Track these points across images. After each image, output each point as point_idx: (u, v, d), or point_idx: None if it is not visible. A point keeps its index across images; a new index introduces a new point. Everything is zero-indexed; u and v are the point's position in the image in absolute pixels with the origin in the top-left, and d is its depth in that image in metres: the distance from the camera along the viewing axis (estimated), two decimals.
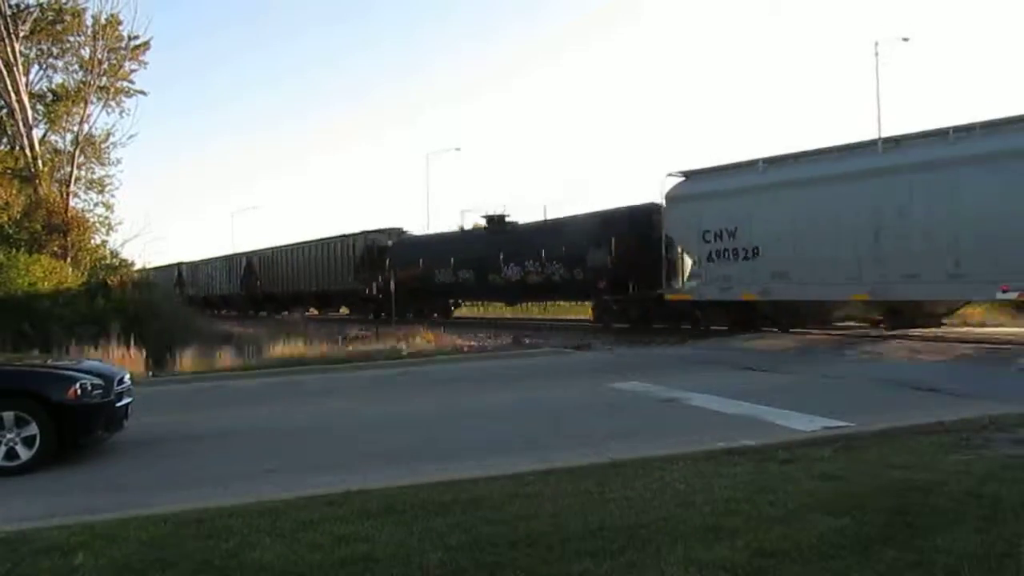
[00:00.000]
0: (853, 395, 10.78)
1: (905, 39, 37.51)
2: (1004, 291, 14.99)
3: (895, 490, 5.39)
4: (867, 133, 36.51)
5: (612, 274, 22.59)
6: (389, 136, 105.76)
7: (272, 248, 44.00)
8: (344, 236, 36.42)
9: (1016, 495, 5.13)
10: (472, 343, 19.91)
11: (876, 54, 34.27)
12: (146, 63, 30.39)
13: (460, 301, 32.10)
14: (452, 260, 29.15)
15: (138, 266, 26.42)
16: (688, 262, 20.63)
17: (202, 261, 51.76)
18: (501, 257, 26.46)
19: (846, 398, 10.38)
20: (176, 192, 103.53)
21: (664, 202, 21.22)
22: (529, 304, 30.58)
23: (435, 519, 5.08)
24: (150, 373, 15.83)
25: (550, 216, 27.25)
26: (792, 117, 77.17)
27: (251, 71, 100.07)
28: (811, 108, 78.45)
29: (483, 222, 29.79)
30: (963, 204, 15.21)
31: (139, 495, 6.53)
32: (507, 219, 28.57)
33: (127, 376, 8.96)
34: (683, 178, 21.17)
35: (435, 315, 30.46)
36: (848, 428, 7.95)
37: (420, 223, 46.38)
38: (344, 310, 38.22)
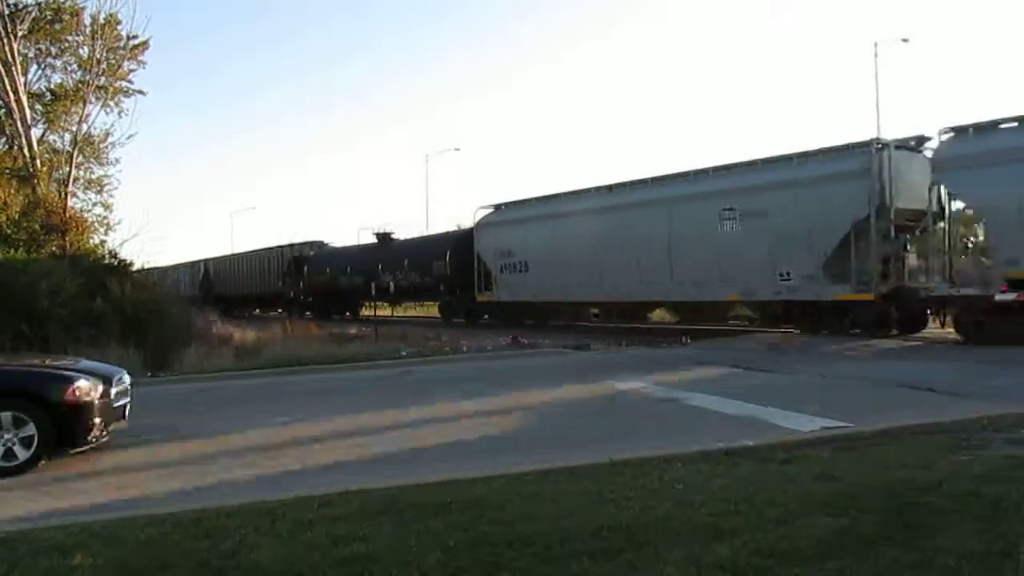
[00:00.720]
0: (852, 395, 10.78)
1: (905, 40, 37.69)
2: (1003, 291, 15.02)
3: (894, 490, 5.39)
4: (866, 132, 36.54)
5: (449, 281, 30.02)
6: (389, 136, 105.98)
7: (225, 256, 50.72)
8: (275, 248, 43.10)
9: (1015, 495, 5.13)
10: (471, 342, 19.91)
11: (876, 55, 34.38)
12: (145, 63, 30.32)
13: (361, 302, 37.01)
14: (349, 269, 36.12)
15: (137, 266, 26.30)
16: (492, 273, 27.89)
17: (170, 267, 53.55)
18: (380, 267, 33.07)
19: (845, 398, 10.38)
20: (176, 192, 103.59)
21: (476, 228, 29.04)
22: (406, 304, 37.83)
23: (434, 519, 5.07)
24: (148, 373, 15.82)
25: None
26: (791, 117, 77.20)
27: (251, 71, 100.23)
28: (811, 108, 78.54)
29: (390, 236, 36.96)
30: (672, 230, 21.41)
31: (137, 495, 6.52)
32: (392, 236, 36.27)
33: (125, 376, 8.95)
34: (491, 210, 29.04)
35: (347, 314, 37.12)
36: (847, 428, 7.95)
37: (419, 222, 48.75)
38: (281, 310, 43.42)
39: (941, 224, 17.46)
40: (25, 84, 27.36)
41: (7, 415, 7.53)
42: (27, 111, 26.83)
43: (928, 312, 18.06)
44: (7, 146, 28.54)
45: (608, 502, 5.36)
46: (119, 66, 29.26)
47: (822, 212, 18.09)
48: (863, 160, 18.00)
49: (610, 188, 24.21)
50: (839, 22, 79.77)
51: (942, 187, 16.86)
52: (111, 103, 29.91)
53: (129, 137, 37.25)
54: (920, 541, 4.38)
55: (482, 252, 28.26)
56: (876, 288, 17.41)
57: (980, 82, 71.75)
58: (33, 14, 27.43)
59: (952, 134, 16.74)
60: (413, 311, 39.61)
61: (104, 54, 28.29)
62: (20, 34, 26.72)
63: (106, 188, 31.19)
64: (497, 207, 28.81)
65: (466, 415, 10.26)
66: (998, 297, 15.16)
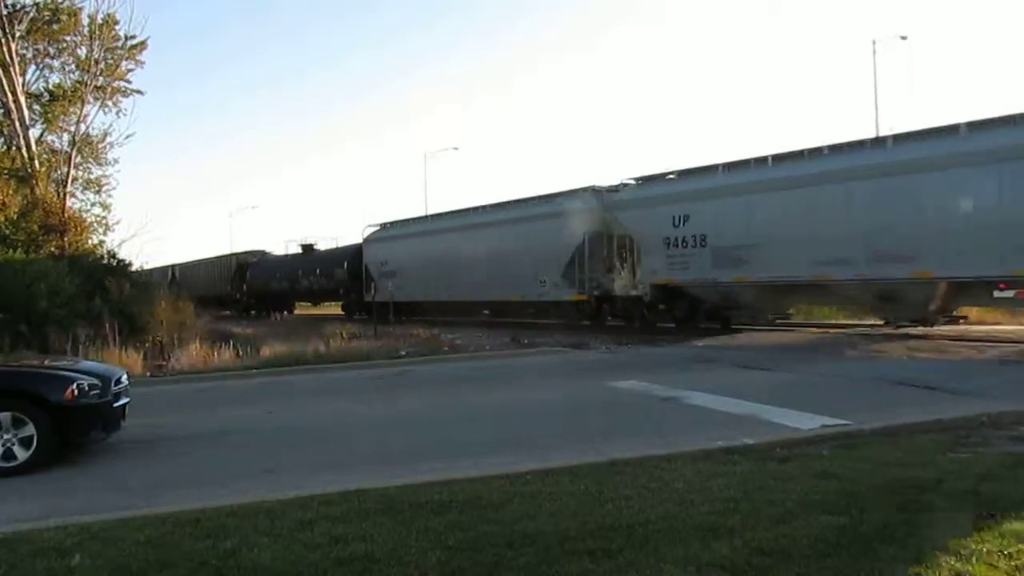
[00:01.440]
0: (851, 393, 10.78)
1: (903, 37, 37.76)
2: (1001, 289, 15.01)
3: (893, 488, 5.39)
4: (865, 132, 36.55)
5: (347, 285, 36.46)
6: (388, 135, 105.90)
7: (189, 262, 54.86)
8: (226, 255, 48.68)
9: (1014, 493, 5.13)
10: (461, 341, 19.91)
11: (874, 52, 34.50)
12: (143, 63, 30.29)
13: (292, 302, 43.75)
14: (278, 275, 42.73)
15: (136, 266, 26.31)
16: (374, 279, 33.53)
17: (145, 271, 55.03)
18: (300, 273, 40.20)
19: (844, 396, 10.38)
20: (175, 192, 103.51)
21: (364, 243, 35.69)
22: (323, 303, 43.03)
23: (433, 519, 5.07)
24: (148, 373, 15.81)
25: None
26: (791, 116, 77.23)
27: (250, 70, 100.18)
28: (810, 107, 78.54)
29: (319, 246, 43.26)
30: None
31: (136, 495, 6.52)
32: (313, 247, 42.44)
33: (124, 376, 8.94)
34: (378, 227, 35.79)
35: (284, 313, 41.68)
36: (846, 426, 7.95)
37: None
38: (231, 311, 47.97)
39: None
40: (23, 84, 27.35)
41: (6, 416, 7.52)
42: (25, 111, 26.82)
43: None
44: (5, 146, 28.52)
45: (608, 501, 5.36)
46: (117, 66, 29.26)
47: (559, 238, 24.74)
48: (584, 200, 24.83)
49: (449, 214, 32.40)
50: (837, 20, 79.84)
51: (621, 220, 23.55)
52: (109, 103, 29.94)
53: (127, 137, 37.35)
54: (919, 540, 4.38)
55: (368, 262, 35.02)
56: (590, 291, 24.20)
57: (979, 79, 71.80)
58: (31, 14, 27.42)
59: (631, 183, 23.60)
60: (328, 309, 44.39)
61: (102, 54, 28.29)
62: (18, 34, 26.72)
63: (104, 188, 31.22)
64: (382, 225, 36.06)
65: (464, 414, 10.25)
66: (996, 294, 15.17)
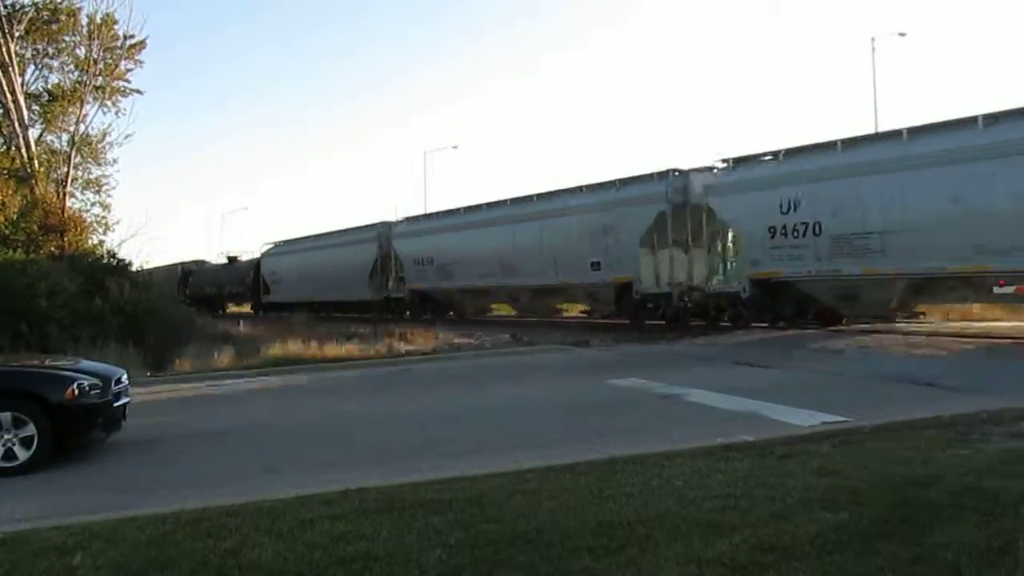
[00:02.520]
0: (851, 390, 10.79)
1: (902, 34, 37.75)
2: (1001, 286, 14.99)
3: (893, 485, 5.40)
4: (864, 128, 36.52)
5: (253, 289, 44.78)
6: (388, 133, 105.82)
7: (148, 268, 59.31)
8: (175, 264, 52.80)
9: (1014, 489, 5.13)
10: (469, 340, 19.92)
11: (873, 50, 34.44)
12: (142, 62, 30.26)
13: (224, 304, 49.76)
14: (210, 281, 49.86)
15: (136, 266, 26.31)
16: (269, 285, 42.96)
17: (145, 271, 57.02)
18: (225, 280, 48.40)
19: (844, 393, 10.39)
20: (174, 192, 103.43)
21: (261, 257, 44.72)
22: (242, 304, 49.57)
23: (434, 517, 5.08)
24: (147, 373, 15.81)
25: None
26: (791, 112, 77.18)
27: (249, 69, 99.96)
28: (810, 103, 78.51)
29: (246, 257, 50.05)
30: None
31: (137, 495, 6.52)
32: (236, 258, 48.96)
33: (124, 376, 8.95)
34: (271, 245, 44.62)
35: (218, 312, 45.89)
36: (846, 423, 7.96)
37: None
38: None
39: None
40: (22, 84, 27.33)
41: (7, 415, 7.54)
42: (24, 111, 26.80)
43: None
44: (5, 147, 28.50)
45: (608, 499, 5.37)
46: (116, 66, 29.22)
47: (371, 255, 34.00)
48: (378, 230, 34.02)
49: (318, 236, 40.23)
50: (837, 18, 79.77)
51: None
52: (108, 103, 29.89)
53: (127, 137, 37.21)
54: (919, 536, 4.39)
55: (263, 273, 43.72)
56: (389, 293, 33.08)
57: (976, 76, 71.75)
58: (30, 14, 27.37)
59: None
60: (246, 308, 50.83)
61: (101, 54, 28.25)
62: (17, 34, 26.68)
63: (104, 188, 31.18)
64: (274, 244, 44.84)
65: (463, 412, 10.26)
66: (996, 290, 15.15)
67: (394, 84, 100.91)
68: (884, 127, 23.72)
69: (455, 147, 68.75)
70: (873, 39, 35.66)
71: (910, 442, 6.74)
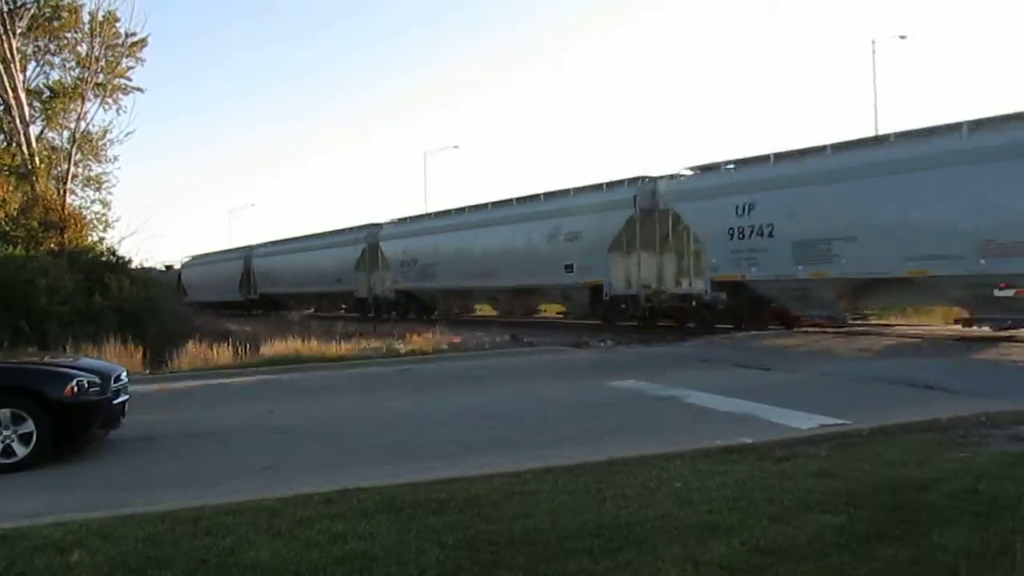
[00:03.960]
0: (849, 392, 10.79)
1: (902, 37, 37.86)
2: (1002, 288, 15.03)
3: (892, 487, 5.40)
4: (864, 130, 36.58)
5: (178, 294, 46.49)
6: (390, 133, 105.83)
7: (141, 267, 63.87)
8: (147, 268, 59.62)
9: (1012, 492, 5.14)
10: (455, 339, 19.93)
11: (873, 52, 34.60)
12: (143, 60, 30.34)
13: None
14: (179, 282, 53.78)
15: (136, 263, 26.41)
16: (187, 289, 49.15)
17: (144, 268, 58.58)
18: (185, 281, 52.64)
19: (842, 396, 10.38)
20: (175, 189, 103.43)
21: (182, 267, 53.01)
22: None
23: (433, 517, 5.08)
24: (147, 370, 15.81)
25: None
26: (791, 114, 77.19)
27: (250, 68, 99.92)
28: (810, 105, 78.51)
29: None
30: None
31: (136, 492, 6.52)
32: (171, 266, 53.33)
33: (124, 374, 8.94)
34: (190, 258, 53.54)
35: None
36: (845, 426, 7.96)
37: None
38: None
39: None
40: (24, 81, 27.37)
41: (6, 412, 7.53)
42: (26, 108, 26.83)
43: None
44: (6, 143, 28.54)
45: (607, 500, 5.37)
46: (117, 63, 29.29)
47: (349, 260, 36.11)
48: (365, 233, 35.17)
49: (305, 237, 41.99)
50: (837, 20, 79.76)
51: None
52: (109, 100, 29.99)
53: (127, 134, 37.21)
54: (918, 538, 4.39)
55: (183, 280, 51.01)
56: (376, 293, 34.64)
57: (977, 79, 71.76)
58: (32, 11, 27.42)
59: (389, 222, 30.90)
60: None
61: (102, 51, 28.31)
62: (19, 31, 26.71)
63: (104, 185, 31.31)
64: (192, 257, 53.59)
65: (463, 413, 10.26)
66: (997, 293, 15.19)
67: (396, 83, 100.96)
68: (884, 129, 24.09)
69: (456, 147, 68.58)
70: (873, 41, 35.83)
71: (909, 445, 6.75)
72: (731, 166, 20.65)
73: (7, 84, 25.77)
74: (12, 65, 25.89)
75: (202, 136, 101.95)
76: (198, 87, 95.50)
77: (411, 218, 34.81)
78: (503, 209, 27.75)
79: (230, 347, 17.99)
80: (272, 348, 18.50)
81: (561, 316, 28.99)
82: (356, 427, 9.65)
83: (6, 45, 25.67)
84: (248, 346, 18.68)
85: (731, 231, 19.43)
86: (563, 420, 9.47)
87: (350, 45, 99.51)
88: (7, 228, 22.83)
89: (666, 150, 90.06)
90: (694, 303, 21.23)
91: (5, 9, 25.92)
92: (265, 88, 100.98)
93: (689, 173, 21.74)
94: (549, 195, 26.02)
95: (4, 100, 26.58)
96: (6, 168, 26.23)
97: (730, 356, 15.44)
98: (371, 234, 35.17)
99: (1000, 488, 5.26)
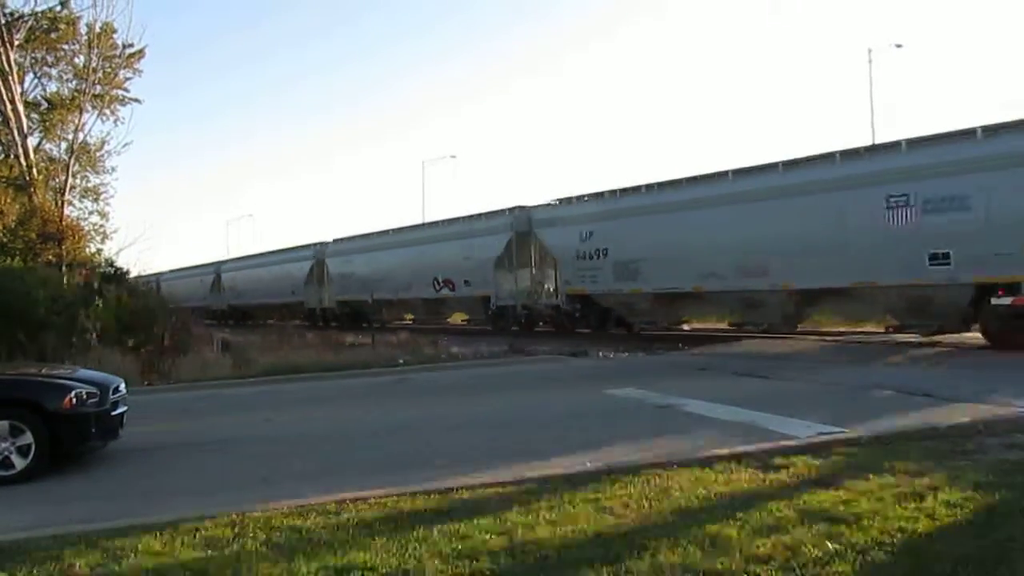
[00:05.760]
0: (848, 400, 10.79)
1: (898, 45, 38.16)
2: (1000, 295, 15.10)
3: (891, 496, 5.41)
4: (862, 138, 36.71)
5: None
6: (386, 143, 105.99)
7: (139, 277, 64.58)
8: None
9: (1010, 499, 5.15)
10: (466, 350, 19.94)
11: (870, 60, 34.85)
12: (141, 71, 30.35)
13: None
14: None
15: (134, 274, 26.30)
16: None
17: (143, 279, 58.95)
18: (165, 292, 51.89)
19: (841, 404, 10.39)
20: (173, 200, 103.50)
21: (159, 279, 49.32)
22: None
23: (432, 528, 5.08)
24: (145, 382, 15.79)
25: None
26: (787, 122, 77.42)
27: (247, 79, 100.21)
28: (806, 113, 78.71)
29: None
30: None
31: (135, 504, 6.52)
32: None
33: (122, 385, 8.94)
34: (169, 271, 53.91)
35: None
36: (844, 434, 7.96)
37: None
38: None
39: None
40: (21, 93, 27.35)
41: (4, 424, 7.53)
42: (23, 120, 26.81)
43: None
44: (3, 155, 28.51)
45: (606, 510, 5.38)
46: (115, 75, 29.26)
47: (300, 275, 39.36)
48: (313, 251, 38.75)
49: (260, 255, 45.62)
50: (834, 29, 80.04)
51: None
52: (107, 112, 29.94)
53: (125, 145, 37.09)
54: (916, 547, 4.40)
55: (164, 292, 52.61)
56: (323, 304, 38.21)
57: (973, 87, 72.05)
58: (29, 23, 27.42)
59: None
60: None
61: (100, 63, 28.27)
62: (16, 43, 26.72)
63: (102, 196, 31.29)
64: (171, 270, 54.22)
65: (461, 422, 10.25)
66: (994, 301, 15.27)
67: (394, 92, 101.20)
68: (881, 138, 24.44)
69: (453, 157, 68.82)
70: (870, 50, 36.10)
71: (907, 453, 6.76)
72: (581, 199, 25.21)
73: (4, 96, 25.77)
74: (10, 77, 25.89)
75: (198, 147, 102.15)
76: (195, 98, 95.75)
77: (350, 237, 38.25)
78: (414, 232, 33.51)
79: (227, 357, 17.96)
80: (269, 358, 18.49)
81: (465, 323, 32.56)
82: (354, 437, 9.64)
83: (3, 57, 25.67)
84: (245, 357, 18.68)
85: (577, 253, 23.90)
86: (562, 429, 9.46)
87: (348, 54, 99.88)
88: (5, 240, 22.80)
89: (665, 155, 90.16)
90: (557, 312, 25.74)
91: (2, 21, 25.95)
92: (262, 99, 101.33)
93: (555, 203, 26.30)
94: (448, 221, 31.64)
95: (2, 112, 26.56)
96: (4, 180, 26.22)
97: (728, 365, 15.45)
98: (319, 251, 38.75)
99: (998, 496, 5.27)
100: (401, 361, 18.10)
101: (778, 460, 6.67)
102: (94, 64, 27.95)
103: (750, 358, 16.64)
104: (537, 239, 26.20)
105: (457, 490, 6.09)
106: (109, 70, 28.95)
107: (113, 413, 8.35)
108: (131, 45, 28.94)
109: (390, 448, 8.74)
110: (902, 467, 6.22)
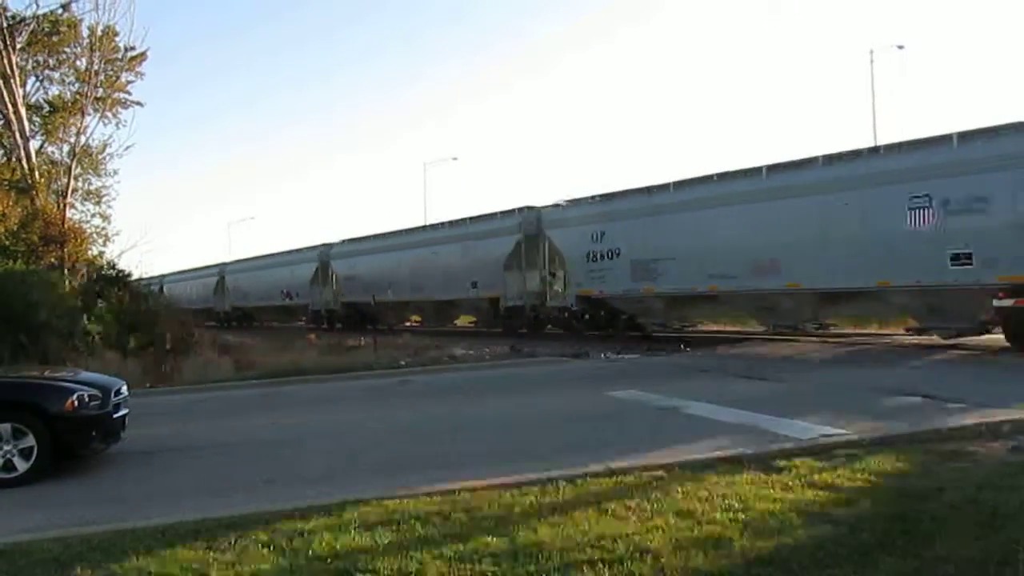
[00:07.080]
0: (850, 403, 10.76)
1: (900, 47, 38.22)
2: (1000, 298, 15.05)
3: (893, 498, 5.40)
4: (863, 140, 36.71)
5: None
6: (388, 145, 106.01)
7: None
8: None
9: (1014, 502, 5.14)
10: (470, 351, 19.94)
11: (871, 62, 34.85)
12: (143, 74, 30.40)
13: None
14: None
15: (136, 276, 26.31)
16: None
17: (144, 281, 58.99)
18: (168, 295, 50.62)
19: (843, 406, 10.36)
20: (176, 202, 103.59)
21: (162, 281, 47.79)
22: None
23: (433, 529, 5.08)
24: (148, 384, 15.80)
25: None
26: (789, 124, 77.35)
27: (249, 81, 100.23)
28: (808, 115, 78.66)
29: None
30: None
31: (136, 506, 6.51)
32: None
33: (124, 387, 8.94)
34: (172, 272, 52.68)
35: None
36: (845, 436, 7.95)
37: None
38: None
39: None
40: (23, 96, 27.38)
41: (6, 427, 7.52)
42: (25, 123, 26.84)
43: None
44: (5, 158, 28.56)
45: (608, 511, 5.37)
46: (117, 77, 29.33)
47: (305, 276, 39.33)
48: (318, 252, 38.57)
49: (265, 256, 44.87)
50: (835, 31, 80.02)
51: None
52: (109, 114, 30.02)
53: (127, 148, 37.44)
54: (919, 549, 4.39)
55: (167, 294, 52.09)
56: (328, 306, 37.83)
57: (974, 88, 72.00)
58: (31, 26, 27.46)
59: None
60: None
61: (102, 66, 28.34)
62: (18, 46, 26.76)
63: (104, 199, 31.34)
64: (175, 272, 53.44)
65: (463, 424, 10.25)
66: (996, 303, 15.23)
67: (395, 95, 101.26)
68: (883, 139, 24.58)
69: (455, 159, 68.94)
70: (871, 51, 36.11)
71: (909, 455, 6.75)
72: (592, 199, 24.82)
73: (7, 99, 25.80)
74: (12, 80, 25.92)
75: (200, 149, 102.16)
76: (197, 100, 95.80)
77: (356, 239, 37.65)
78: (422, 234, 32.70)
79: (230, 359, 17.98)
80: (271, 360, 18.50)
81: (472, 325, 31.85)
82: (356, 439, 9.63)
83: (5, 60, 25.71)
84: (248, 359, 18.70)
85: (588, 254, 23.51)
86: (564, 431, 9.46)
87: (349, 56, 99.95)
88: (7, 243, 22.82)
89: (665, 156, 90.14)
90: (566, 314, 25.26)
91: (4, 24, 25.97)
92: (263, 100, 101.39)
93: (564, 204, 26.02)
94: (456, 222, 30.67)
95: (4, 115, 26.61)
96: (6, 183, 26.24)
97: (730, 367, 15.43)
98: (323, 252, 38.40)
99: (1002, 498, 5.26)
100: (403, 363, 18.09)
101: (780, 462, 6.66)
102: (96, 67, 28.02)
103: (755, 360, 16.61)
104: (547, 240, 25.86)
105: (459, 491, 6.08)
106: (111, 73, 29.03)
107: (115, 415, 8.35)
108: (133, 48, 29.02)
109: (392, 450, 8.73)
110: (905, 469, 6.21)
